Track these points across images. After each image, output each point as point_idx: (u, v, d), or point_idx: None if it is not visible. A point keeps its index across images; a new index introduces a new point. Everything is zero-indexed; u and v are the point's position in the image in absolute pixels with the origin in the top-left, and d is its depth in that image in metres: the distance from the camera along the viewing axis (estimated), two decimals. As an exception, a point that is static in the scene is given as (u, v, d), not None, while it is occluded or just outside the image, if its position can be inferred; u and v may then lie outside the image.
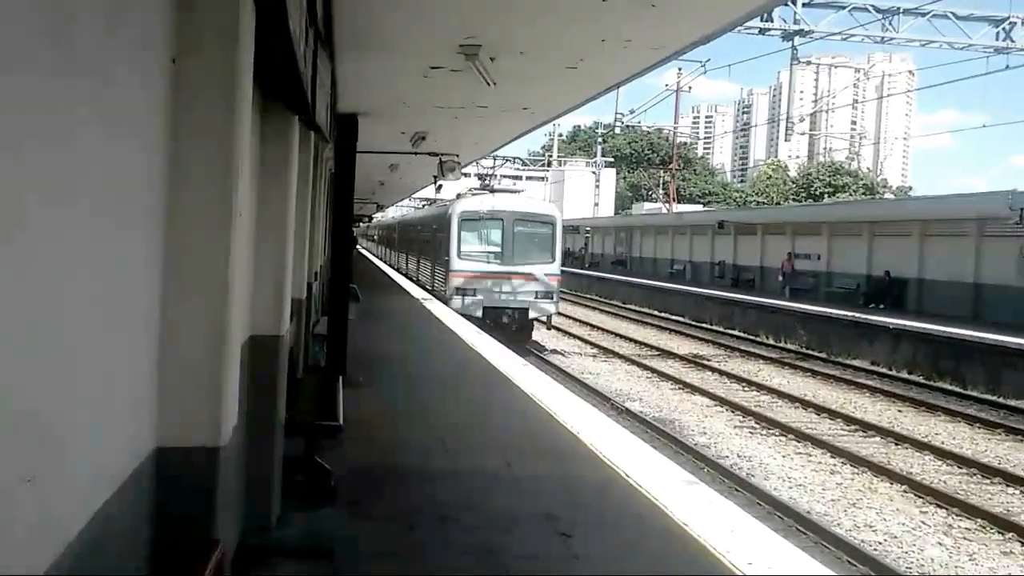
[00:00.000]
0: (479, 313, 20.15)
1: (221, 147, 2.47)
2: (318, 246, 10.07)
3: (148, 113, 2.22)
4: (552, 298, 20.98)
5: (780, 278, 29.01)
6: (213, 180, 2.45)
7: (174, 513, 2.37)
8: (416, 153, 11.74)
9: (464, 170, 16.12)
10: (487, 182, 23.94)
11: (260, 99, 4.28)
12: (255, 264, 4.50)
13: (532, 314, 20.74)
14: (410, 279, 28.28)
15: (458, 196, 24.03)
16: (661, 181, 73.02)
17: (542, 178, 73.95)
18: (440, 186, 16.25)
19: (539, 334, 22.65)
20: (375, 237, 60.90)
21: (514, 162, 63.37)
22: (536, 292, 20.75)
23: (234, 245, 2.50)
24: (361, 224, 57.81)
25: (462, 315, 18.74)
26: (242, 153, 2.58)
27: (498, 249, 20.87)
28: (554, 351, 20.50)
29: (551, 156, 75.06)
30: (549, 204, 22.41)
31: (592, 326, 25.68)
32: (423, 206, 38.39)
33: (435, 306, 18.28)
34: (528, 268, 20.70)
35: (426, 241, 26.64)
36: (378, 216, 59.47)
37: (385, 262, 42.15)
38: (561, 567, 4.07)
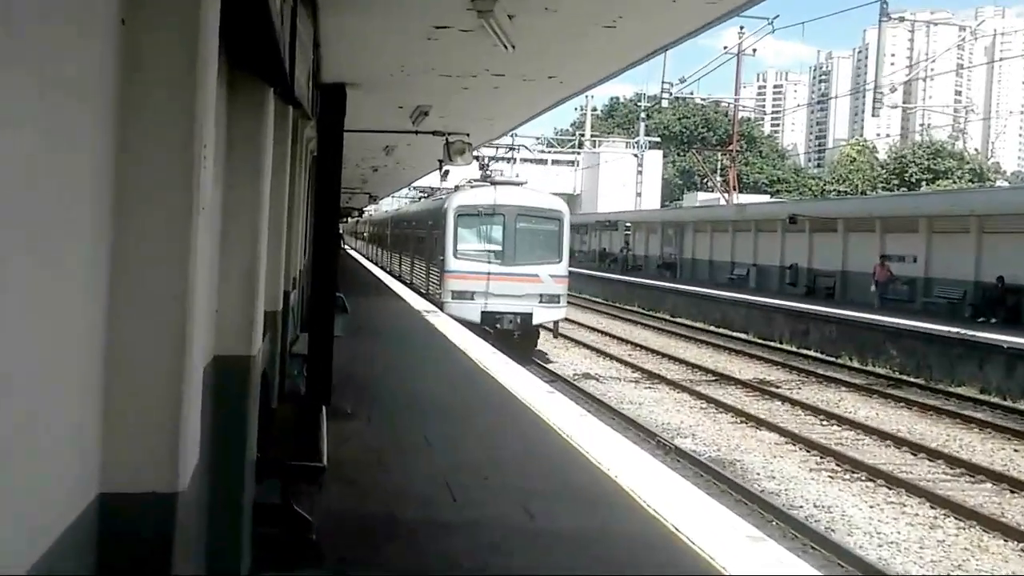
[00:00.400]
0: (477, 318, 21.40)
1: (179, 127, 2.45)
2: (297, 246, 10.01)
3: (91, 85, 2.21)
4: (559, 302, 22.44)
5: (873, 287, 28.44)
6: (170, 167, 2.44)
7: (120, 574, 2.36)
8: (417, 132, 11.76)
9: (477, 152, 16.29)
10: (487, 171, 25.11)
11: (227, 67, 4.30)
12: (221, 269, 4.57)
13: (536, 320, 22.14)
14: (404, 282, 29.75)
15: (456, 188, 25.40)
16: (719, 166, 71.08)
17: (571, 162, 73.84)
18: (446, 172, 16.40)
19: (569, 353, 23.44)
20: (365, 235, 61.70)
21: (537, 143, 63.76)
22: (541, 295, 22.21)
23: (195, 246, 2.50)
24: (350, 219, 58.78)
25: (458, 321, 19.60)
26: (205, 134, 2.56)
27: (498, 248, 22.34)
28: (587, 375, 20.46)
29: (583, 135, 74.83)
30: (555, 197, 24.09)
31: (634, 344, 25.70)
32: (420, 198, 40.19)
33: (440, 320, 18.62)
34: (532, 268, 22.18)
35: (420, 239, 28.39)
36: (370, 210, 59.83)
37: (378, 264, 43.30)
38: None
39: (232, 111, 4.60)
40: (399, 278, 32.03)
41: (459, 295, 22.32)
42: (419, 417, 8.95)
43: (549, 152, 73.35)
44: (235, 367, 4.52)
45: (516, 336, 22.35)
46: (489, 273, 22.16)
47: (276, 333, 6.87)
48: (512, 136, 65.43)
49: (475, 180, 24.87)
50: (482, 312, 22.00)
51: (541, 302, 22.40)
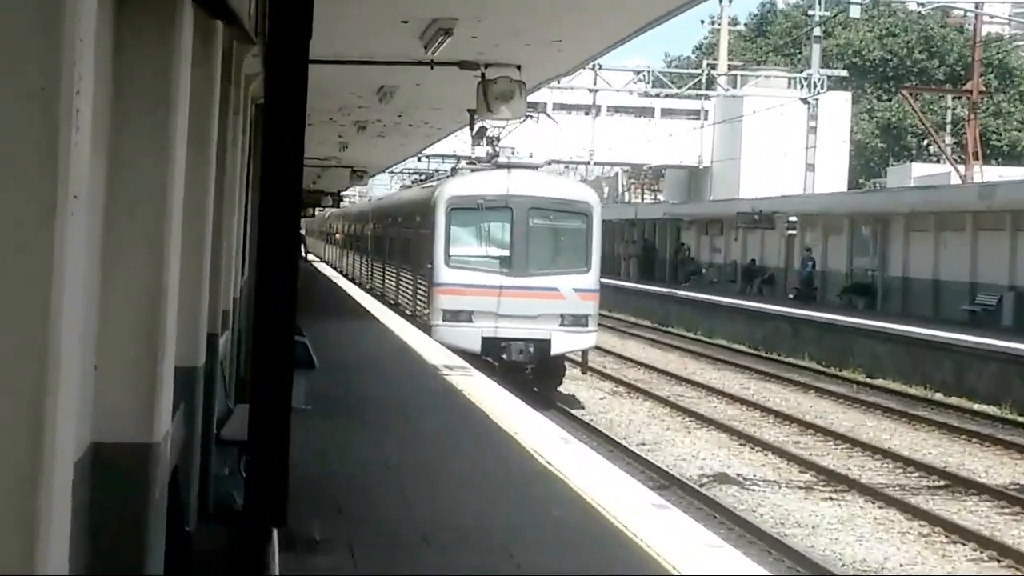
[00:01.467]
0: (476, 347, 22.92)
1: (38, 61, 2.35)
2: (230, 258, 10.12)
3: None
4: (586, 325, 24.01)
5: None
6: (21, 127, 2.34)
7: None
8: (433, 64, 11.72)
9: (533, 97, 16.05)
10: (495, 146, 26.63)
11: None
12: (103, 299, 4.59)
13: (556, 348, 23.74)
14: (388, 303, 31.62)
15: (453, 171, 27.32)
16: (949, 117, 61.99)
17: (693, 113, 72.11)
18: (482, 132, 16.48)
19: (692, 437, 22.16)
20: (338, 236, 61.04)
21: (637, 82, 62.01)
22: (562, 316, 23.75)
23: (60, 260, 2.42)
24: (320, 211, 59.81)
25: (451, 350, 20.87)
26: (76, 71, 2.45)
27: (505, 252, 23.90)
28: (722, 477, 18.74)
29: (714, 67, 67.68)
30: (581, 185, 26.53)
31: (801, 424, 23.45)
32: (424, 178, 40.95)
33: (470, 381, 18.05)
34: (550, 280, 23.80)
35: (403, 241, 30.49)
36: (355, 196, 59.30)
37: (352, 279, 44.57)
38: None
39: (122, 35, 4.66)
40: (381, 297, 33.97)
41: (452, 316, 23.73)
42: (438, 553, 8.17)
43: (656, 98, 68.42)
44: (125, 463, 4.59)
45: (529, 371, 23.76)
46: (494, 286, 23.54)
47: (194, 405, 6.81)
48: (595, 69, 64.26)
49: (477, 160, 26.34)
50: (483, 338, 23.30)
51: (562, 325, 23.76)
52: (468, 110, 15.11)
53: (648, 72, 59.45)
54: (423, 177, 42.07)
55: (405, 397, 16.57)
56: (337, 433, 12.93)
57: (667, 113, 73.00)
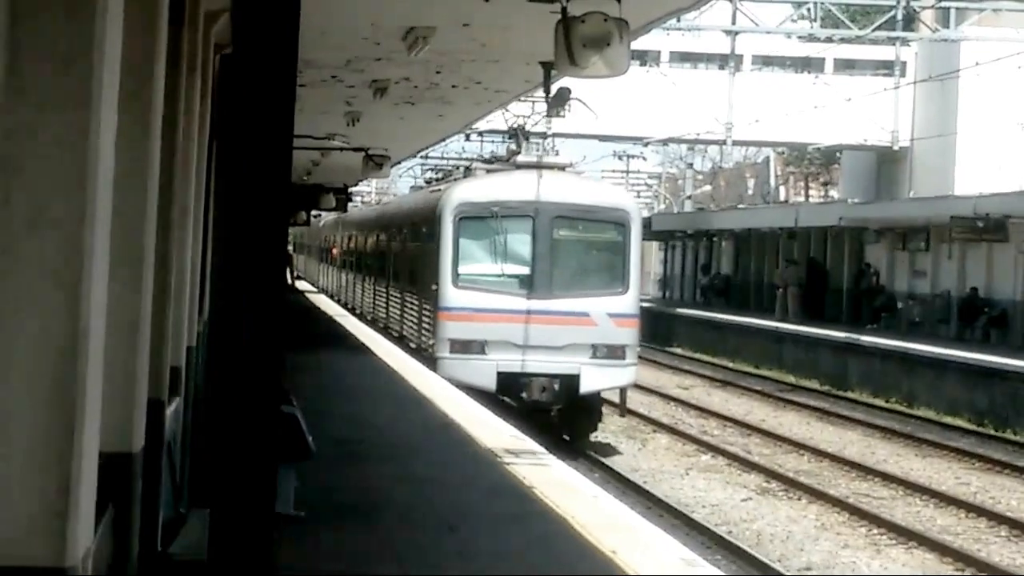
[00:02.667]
0: (491, 384, 27.38)
1: None
2: (186, 281, 10.48)
3: None
4: (624, 357, 28.53)
5: None
6: None
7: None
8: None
9: (643, 44, 16.25)
10: (518, 141, 33.15)
11: None
12: None
13: (586, 386, 28.09)
14: (391, 336, 36.67)
15: (466, 172, 32.85)
16: None
17: (887, 64, 70.59)
18: (561, 96, 17.35)
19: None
20: (335, 253, 65.45)
21: (800, 18, 61.09)
22: (594, 347, 28.10)
23: None
24: (316, 217, 63.83)
25: (460, 387, 24.58)
26: None
27: (525, 270, 28.43)
28: None
29: (910, 2, 67.56)
30: (618, 189, 34.44)
31: None
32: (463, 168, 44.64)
33: (547, 475, 18.54)
34: (580, 303, 28.17)
35: (410, 257, 35.70)
36: (368, 193, 60.61)
37: (360, 313, 49.24)
38: None
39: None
40: (384, 330, 39.32)
41: (462, 346, 27.96)
42: None
43: (827, 43, 68.35)
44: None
45: (554, 414, 28.29)
46: (512, 311, 27.83)
47: (128, 509, 6.81)
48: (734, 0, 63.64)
49: (492, 159, 33.27)
50: (499, 373, 27.59)
51: (594, 357, 27.93)
52: (542, 63, 15.16)
53: (815, 5, 59.22)
54: (454, 170, 46.22)
55: (453, 501, 16.60)
56: (348, 557, 12.91)
57: (843, 66, 72.11)
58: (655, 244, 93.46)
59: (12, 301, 4.75)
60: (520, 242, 27.99)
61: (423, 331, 30.67)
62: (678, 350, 62.32)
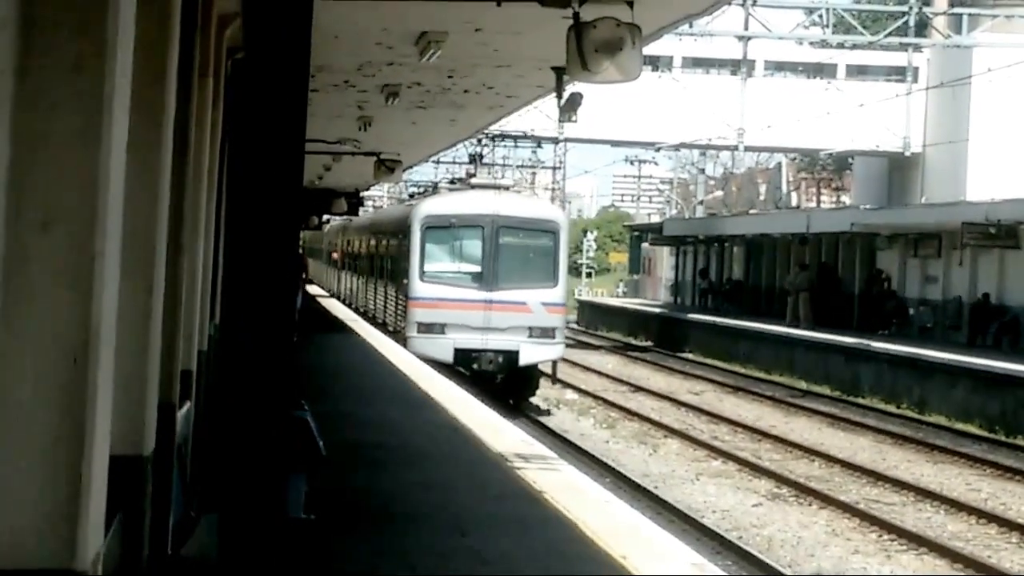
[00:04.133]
0: (448, 357, 36.28)
1: None
2: (198, 286, 10.43)
3: None
4: (554, 337, 37.82)
5: None
6: None
7: None
8: None
9: (655, 49, 16.38)
10: (476, 165, 44.43)
11: None
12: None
13: (524, 359, 37.21)
14: (369, 319, 47.97)
15: (433, 189, 43.42)
16: None
17: (898, 69, 70.00)
18: (573, 101, 17.67)
19: None
20: (335, 256, 73.61)
21: (813, 23, 60.89)
22: (530, 328, 37.03)
23: None
24: (333, 221, 69.59)
25: (425, 360, 31.24)
26: None
27: (476, 268, 37.49)
28: None
29: (926, 6, 66.88)
30: (550, 204, 41.65)
31: None
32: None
33: (558, 479, 18.53)
34: (519, 294, 37.12)
35: (382, 257, 47.25)
36: (380, 196, 65.36)
37: (350, 304, 59.87)
38: None
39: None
40: (371, 318, 48.66)
41: (426, 328, 37.07)
42: None
43: (839, 49, 67.90)
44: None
45: (498, 380, 36.73)
46: (466, 300, 36.95)
47: (139, 513, 6.79)
48: (746, 5, 63.33)
49: (455, 180, 43.25)
50: (455, 349, 36.77)
51: (531, 336, 37.05)
52: (554, 68, 15.13)
53: (827, 11, 59.04)
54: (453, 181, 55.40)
55: (463, 504, 16.57)
56: (359, 562, 12.94)
57: (855, 72, 72.10)
58: (666, 250, 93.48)
59: (23, 304, 4.74)
60: (473, 246, 37.35)
61: (398, 316, 39.65)
62: (689, 355, 62.17)
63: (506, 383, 37.13)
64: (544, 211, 39.24)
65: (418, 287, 36.91)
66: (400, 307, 39.10)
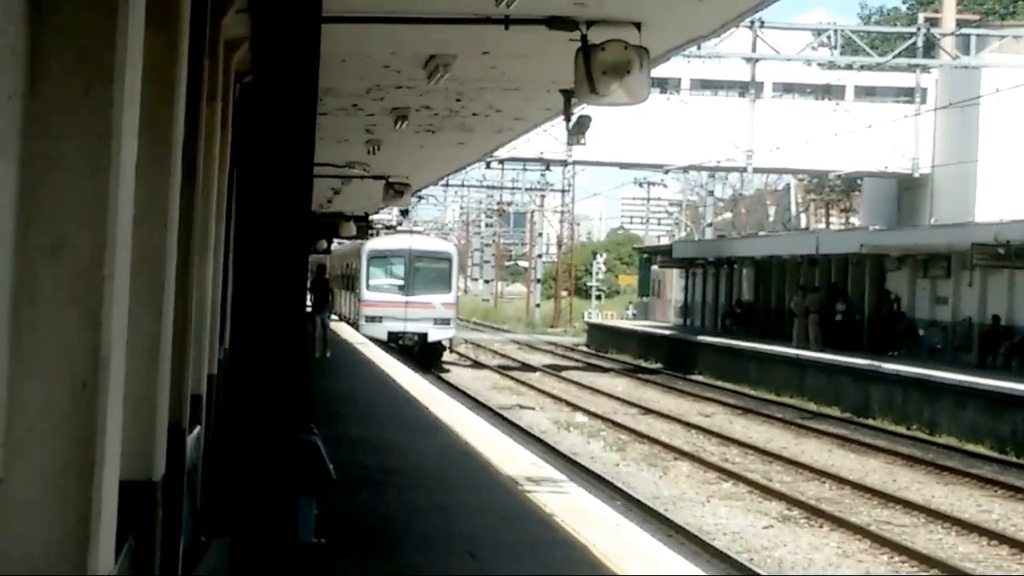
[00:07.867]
0: (384, 336, 61.88)
1: None
2: (207, 309, 10.38)
3: None
4: (449, 324, 65.69)
5: None
6: None
7: None
8: (509, 22, 12.17)
9: (664, 71, 16.46)
10: (405, 216, 71.18)
11: None
12: (11, 376, 4.67)
13: (431, 338, 64.39)
14: (347, 321, 71.93)
15: (376, 233, 70.39)
16: None
17: (907, 90, 69.74)
18: (582, 124, 18.92)
19: None
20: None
21: (821, 45, 60.25)
22: (435, 319, 64.19)
23: None
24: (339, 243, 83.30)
25: (369, 338, 59.02)
26: None
27: (401, 282, 64.76)
28: None
29: (935, 23, 66.73)
30: (445, 241, 78.18)
31: None
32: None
33: (567, 503, 18.82)
34: (427, 298, 63.90)
35: (346, 276, 75.26)
36: (389, 220, 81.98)
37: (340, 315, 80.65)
38: None
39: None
40: (346, 319, 72.47)
41: (371, 319, 63.68)
42: None
43: (848, 71, 67.69)
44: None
45: (416, 351, 60.63)
46: (396, 301, 62.95)
47: (149, 538, 6.82)
48: (754, 27, 63.56)
49: (393, 227, 72.54)
50: (388, 332, 62.34)
51: (435, 324, 63.60)
52: (562, 91, 15.10)
53: (835, 32, 58.96)
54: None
55: (472, 527, 16.62)
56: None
57: (864, 93, 71.84)
58: (675, 272, 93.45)
59: (32, 329, 4.73)
60: (398, 268, 64.56)
61: (353, 312, 67.88)
62: (699, 377, 62.20)
63: (421, 352, 61.08)
64: (442, 246, 68.36)
65: (366, 294, 64.52)
66: (355, 306, 66.68)
